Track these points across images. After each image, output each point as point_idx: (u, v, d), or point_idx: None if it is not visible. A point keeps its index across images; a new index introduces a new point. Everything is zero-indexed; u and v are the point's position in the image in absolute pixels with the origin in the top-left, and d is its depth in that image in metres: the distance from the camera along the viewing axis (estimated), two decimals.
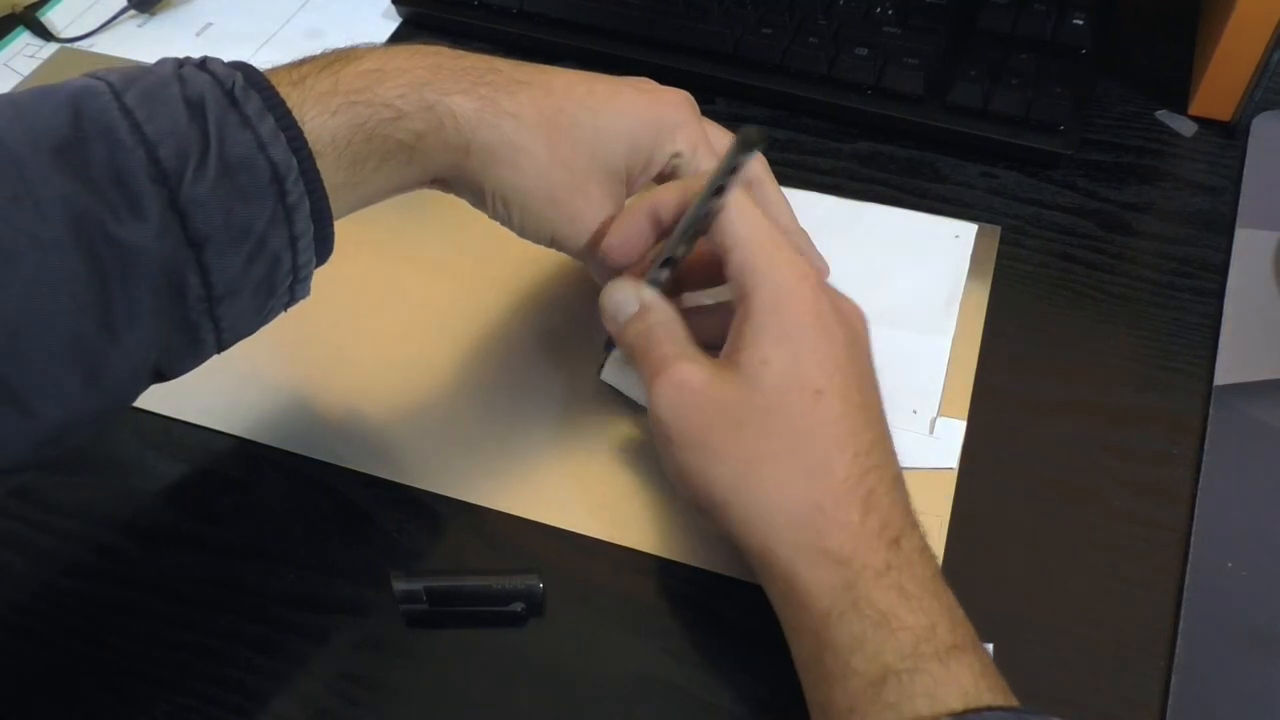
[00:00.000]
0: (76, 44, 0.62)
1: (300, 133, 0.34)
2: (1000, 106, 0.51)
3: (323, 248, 0.36)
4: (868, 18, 0.55)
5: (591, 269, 0.41)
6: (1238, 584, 0.37)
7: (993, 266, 0.47)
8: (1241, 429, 0.41)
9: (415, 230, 0.51)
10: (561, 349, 0.46)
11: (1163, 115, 0.53)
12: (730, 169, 0.34)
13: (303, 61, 0.36)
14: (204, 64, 0.34)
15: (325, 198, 0.35)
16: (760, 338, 0.34)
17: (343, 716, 0.37)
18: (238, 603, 0.40)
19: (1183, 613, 0.37)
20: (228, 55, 0.59)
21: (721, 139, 0.41)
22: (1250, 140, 0.51)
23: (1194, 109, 0.53)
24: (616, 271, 0.39)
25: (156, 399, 0.45)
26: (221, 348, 0.36)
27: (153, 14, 0.64)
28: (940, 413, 0.42)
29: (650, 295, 0.38)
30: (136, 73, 0.33)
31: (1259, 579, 0.38)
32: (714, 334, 0.37)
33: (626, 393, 0.43)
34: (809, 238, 0.42)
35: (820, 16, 0.55)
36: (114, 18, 0.63)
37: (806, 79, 0.53)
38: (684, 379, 0.35)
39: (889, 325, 0.44)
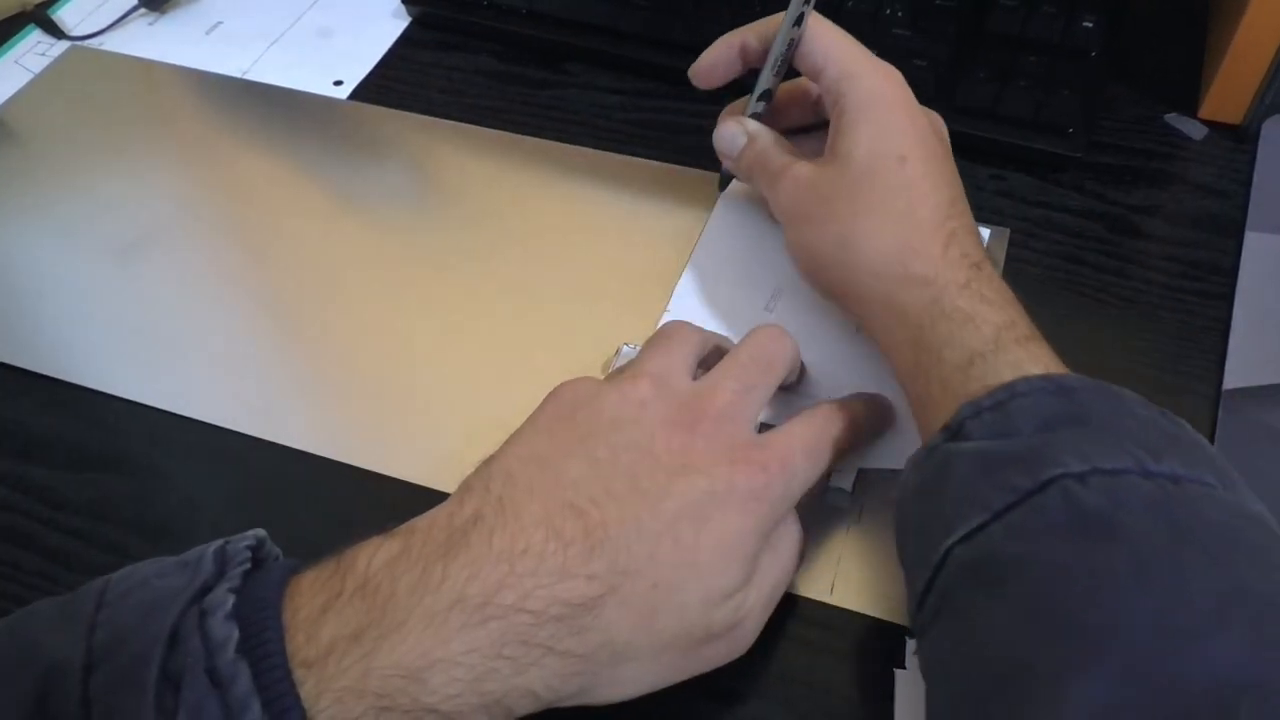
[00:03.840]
0: (87, 42, 0.62)
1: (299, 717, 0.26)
2: (1009, 109, 0.51)
3: None
4: (876, 19, 0.55)
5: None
6: None
7: (1001, 269, 0.47)
8: (1250, 433, 0.41)
9: (428, 230, 0.51)
10: (570, 349, 0.46)
11: (1172, 118, 0.53)
12: None
13: (332, 602, 0.29)
14: (204, 617, 0.28)
15: None
16: (853, 128, 0.39)
17: None
18: None
19: None
20: (236, 54, 0.60)
21: None
22: (1260, 144, 0.51)
23: (1204, 112, 0.52)
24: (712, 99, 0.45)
25: (166, 397, 0.45)
26: None
27: (163, 12, 0.64)
28: None
29: (754, 125, 0.44)
30: (134, 620, 0.28)
31: None
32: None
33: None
34: None
35: (829, 18, 0.54)
36: (124, 16, 0.64)
37: None
38: (796, 174, 0.41)
39: None
